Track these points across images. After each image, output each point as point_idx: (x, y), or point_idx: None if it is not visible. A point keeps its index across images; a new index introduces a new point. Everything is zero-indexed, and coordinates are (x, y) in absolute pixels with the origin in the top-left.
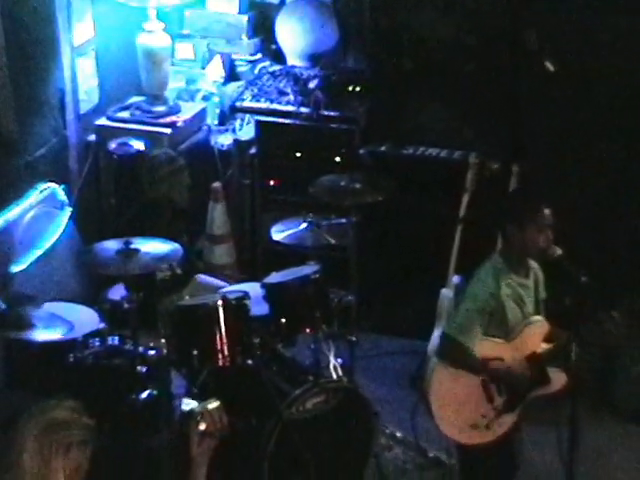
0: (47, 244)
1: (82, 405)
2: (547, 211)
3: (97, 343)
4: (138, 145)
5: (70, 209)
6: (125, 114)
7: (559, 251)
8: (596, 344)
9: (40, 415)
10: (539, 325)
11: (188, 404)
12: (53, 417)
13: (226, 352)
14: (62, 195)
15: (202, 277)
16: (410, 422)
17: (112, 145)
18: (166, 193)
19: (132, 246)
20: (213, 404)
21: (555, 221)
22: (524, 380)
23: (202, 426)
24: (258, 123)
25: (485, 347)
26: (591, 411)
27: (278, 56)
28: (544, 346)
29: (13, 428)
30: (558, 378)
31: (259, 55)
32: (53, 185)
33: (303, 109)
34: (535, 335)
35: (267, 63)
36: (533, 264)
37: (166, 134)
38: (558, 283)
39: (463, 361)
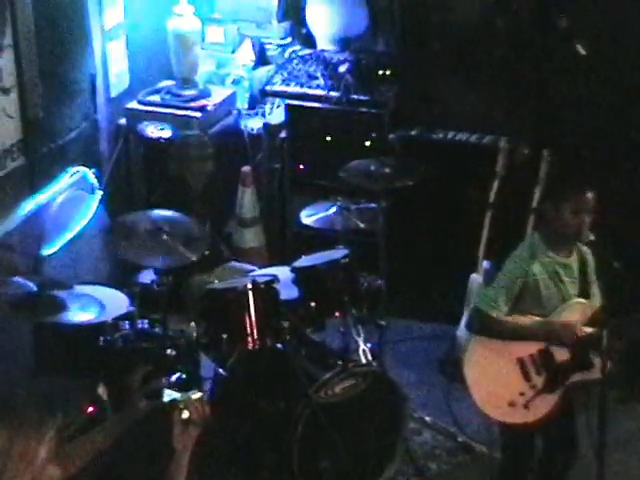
0: (77, 227)
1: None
2: (589, 195)
3: (127, 326)
4: (166, 131)
5: (100, 192)
6: (155, 98)
7: (591, 237)
8: (628, 332)
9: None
10: (579, 308)
11: (170, 395)
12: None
13: (255, 336)
14: (92, 179)
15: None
16: (445, 406)
17: (142, 129)
18: (188, 176)
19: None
20: (196, 394)
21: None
22: (569, 335)
23: (185, 414)
24: (288, 107)
25: (525, 323)
26: (620, 400)
27: (308, 40)
28: (586, 330)
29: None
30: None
31: (289, 39)
32: (84, 169)
33: (333, 93)
34: (575, 318)
35: (297, 47)
36: (582, 246)
37: (196, 118)
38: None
39: (492, 331)
